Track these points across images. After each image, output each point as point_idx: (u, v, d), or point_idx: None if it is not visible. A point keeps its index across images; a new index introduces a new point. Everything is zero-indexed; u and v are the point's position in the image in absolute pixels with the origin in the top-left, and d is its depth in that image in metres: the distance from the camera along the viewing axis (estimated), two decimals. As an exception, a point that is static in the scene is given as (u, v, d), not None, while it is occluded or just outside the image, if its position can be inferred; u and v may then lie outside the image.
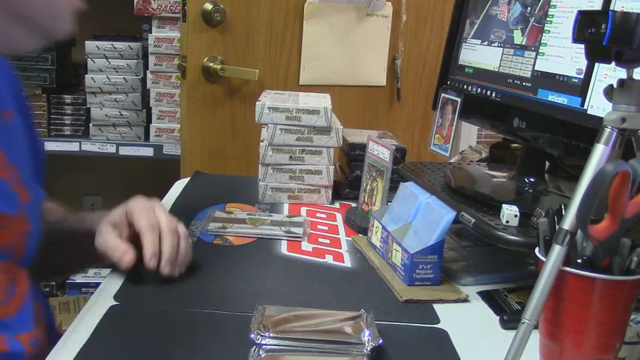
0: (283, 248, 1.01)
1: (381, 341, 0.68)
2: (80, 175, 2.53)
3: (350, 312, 0.74)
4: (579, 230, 0.60)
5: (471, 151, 1.61)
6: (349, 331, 0.69)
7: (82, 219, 0.94)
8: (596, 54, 0.62)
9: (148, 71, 2.09)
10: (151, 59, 2.08)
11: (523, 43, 0.97)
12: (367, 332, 0.69)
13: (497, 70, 1.02)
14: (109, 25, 2.29)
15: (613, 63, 0.60)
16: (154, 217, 0.84)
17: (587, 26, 0.60)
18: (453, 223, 0.88)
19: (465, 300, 0.87)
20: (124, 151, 2.15)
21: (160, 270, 0.81)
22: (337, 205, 1.27)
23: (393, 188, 1.05)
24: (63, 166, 2.35)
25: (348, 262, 0.98)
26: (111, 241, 0.82)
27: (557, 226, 0.61)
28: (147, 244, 0.81)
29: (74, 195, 2.52)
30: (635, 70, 0.60)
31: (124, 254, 0.80)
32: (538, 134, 0.91)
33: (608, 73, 0.81)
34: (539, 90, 0.93)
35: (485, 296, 0.88)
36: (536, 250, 0.65)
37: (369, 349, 0.67)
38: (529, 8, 0.96)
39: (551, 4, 0.92)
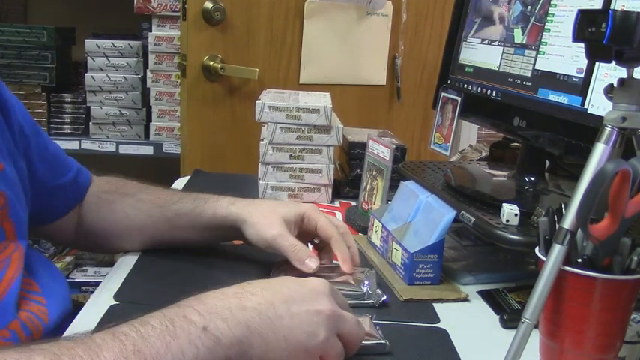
0: (283, 247, 1.01)
1: (385, 297, 0.81)
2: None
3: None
4: (579, 229, 0.60)
5: (471, 150, 1.61)
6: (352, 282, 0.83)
7: (203, 200, 0.91)
8: (596, 53, 0.62)
9: (147, 70, 2.09)
10: (151, 58, 2.08)
11: (523, 42, 0.97)
12: (366, 283, 0.82)
13: (497, 69, 1.02)
14: (109, 23, 2.29)
15: (613, 62, 0.60)
16: (335, 224, 0.89)
17: (587, 25, 0.60)
18: (453, 223, 0.88)
19: (465, 299, 0.87)
20: (124, 149, 2.14)
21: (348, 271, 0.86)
22: (337, 204, 1.27)
23: (393, 187, 1.05)
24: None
25: (348, 261, 0.98)
26: (292, 240, 0.85)
27: (557, 226, 0.61)
28: (342, 249, 0.86)
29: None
30: (635, 69, 0.60)
31: (310, 260, 0.84)
32: (538, 133, 0.91)
33: (609, 72, 0.81)
34: (540, 89, 0.93)
35: (486, 295, 0.88)
36: (537, 249, 0.65)
37: (375, 303, 0.80)
38: (529, 7, 0.96)
39: (551, 3, 0.92)
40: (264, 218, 0.86)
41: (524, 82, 0.96)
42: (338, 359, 0.63)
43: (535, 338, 0.63)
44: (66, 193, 0.94)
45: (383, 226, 0.97)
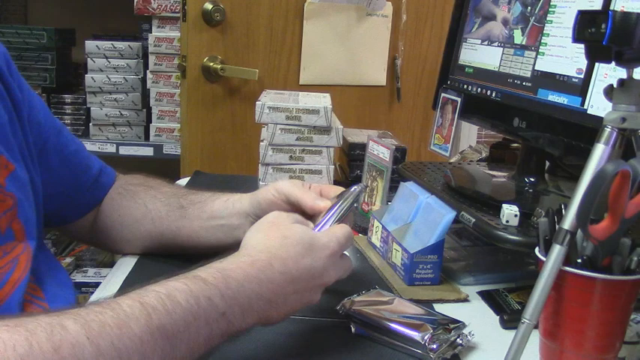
0: (283, 248, 1.00)
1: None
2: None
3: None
4: (579, 230, 0.60)
5: (471, 150, 1.61)
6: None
7: (220, 193, 0.91)
8: (596, 54, 0.62)
9: (148, 71, 2.09)
10: (151, 59, 2.08)
11: (523, 43, 0.97)
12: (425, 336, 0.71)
13: (497, 69, 1.02)
14: (109, 24, 2.30)
15: (613, 63, 0.60)
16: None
17: (587, 26, 0.60)
18: (453, 223, 0.88)
19: (465, 300, 0.87)
20: (124, 150, 2.14)
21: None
22: (337, 204, 1.26)
23: (393, 188, 1.05)
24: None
25: (348, 262, 0.98)
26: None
27: (557, 226, 0.61)
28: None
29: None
30: (635, 69, 0.60)
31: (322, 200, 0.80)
32: (538, 134, 0.91)
33: (609, 73, 0.81)
34: (540, 90, 0.93)
35: (486, 296, 0.88)
36: (536, 249, 0.65)
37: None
38: (529, 8, 0.96)
39: (551, 3, 0.92)
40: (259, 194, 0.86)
41: (524, 83, 0.96)
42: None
43: (535, 339, 0.63)
44: (85, 194, 0.93)
45: (383, 227, 0.97)
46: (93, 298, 0.83)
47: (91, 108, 2.14)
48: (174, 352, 0.55)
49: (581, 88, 0.85)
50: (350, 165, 1.30)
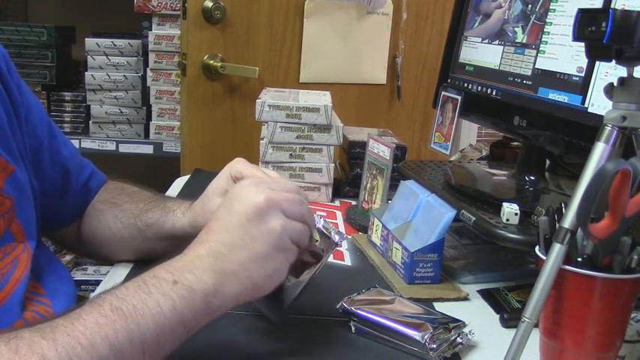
0: (283, 246, 1.00)
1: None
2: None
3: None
4: (579, 229, 0.60)
5: (471, 149, 1.61)
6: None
7: (166, 211, 0.89)
8: (596, 52, 0.62)
9: (148, 69, 2.09)
10: (151, 57, 2.08)
11: (524, 41, 0.97)
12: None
13: (497, 68, 1.02)
14: (109, 22, 2.29)
15: (613, 61, 0.60)
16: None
17: (587, 24, 0.60)
18: (453, 222, 0.88)
19: (465, 298, 0.87)
20: (124, 148, 2.14)
21: None
22: (337, 203, 1.27)
23: (393, 186, 1.05)
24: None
25: (348, 261, 0.98)
26: None
27: (557, 225, 0.61)
28: None
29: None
30: (635, 68, 0.60)
31: None
32: (538, 132, 0.91)
33: (609, 72, 0.81)
34: (540, 88, 0.92)
35: (486, 294, 0.88)
36: (537, 248, 0.65)
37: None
38: (530, 6, 0.96)
39: (551, 1, 0.92)
40: (201, 204, 0.85)
41: (524, 81, 0.96)
42: (305, 234, 0.68)
43: (535, 337, 0.63)
44: (75, 198, 0.93)
45: (383, 225, 0.97)
46: (93, 296, 0.82)
47: (91, 105, 2.13)
48: (140, 329, 0.56)
49: (581, 86, 0.85)
50: (350, 163, 1.30)
